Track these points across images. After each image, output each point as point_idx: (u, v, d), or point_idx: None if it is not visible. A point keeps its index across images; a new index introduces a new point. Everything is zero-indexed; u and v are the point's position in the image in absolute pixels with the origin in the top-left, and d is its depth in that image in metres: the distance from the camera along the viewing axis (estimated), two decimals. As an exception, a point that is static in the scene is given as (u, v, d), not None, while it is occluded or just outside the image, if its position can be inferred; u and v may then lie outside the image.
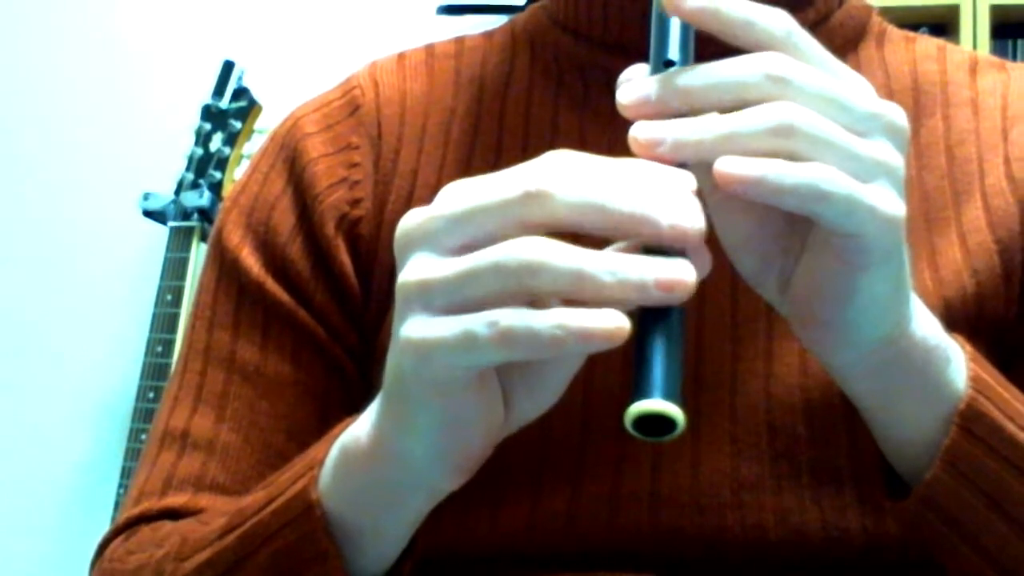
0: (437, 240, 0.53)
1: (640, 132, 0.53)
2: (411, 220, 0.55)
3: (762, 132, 0.52)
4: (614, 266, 0.50)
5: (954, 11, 2.17)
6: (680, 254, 0.51)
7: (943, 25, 2.19)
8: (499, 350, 0.51)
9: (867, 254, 0.54)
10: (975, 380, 0.62)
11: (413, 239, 0.54)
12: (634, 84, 0.55)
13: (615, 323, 0.49)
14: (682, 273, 0.50)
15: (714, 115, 0.54)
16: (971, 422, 0.62)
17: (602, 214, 0.51)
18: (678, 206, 0.51)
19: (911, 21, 2.06)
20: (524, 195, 0.51)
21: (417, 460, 0.58)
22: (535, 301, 0.52)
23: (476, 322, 0.51)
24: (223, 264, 0.79)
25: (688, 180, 0.52)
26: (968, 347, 0.64)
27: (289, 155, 0.80)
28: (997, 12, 2.17)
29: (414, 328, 0.53)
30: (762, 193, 0.52)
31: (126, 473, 2.16)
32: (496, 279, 0.51)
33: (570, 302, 0.52)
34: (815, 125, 0.53)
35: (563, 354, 0.50)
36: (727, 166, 0.52)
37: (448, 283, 0.52)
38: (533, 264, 0.50)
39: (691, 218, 0.51)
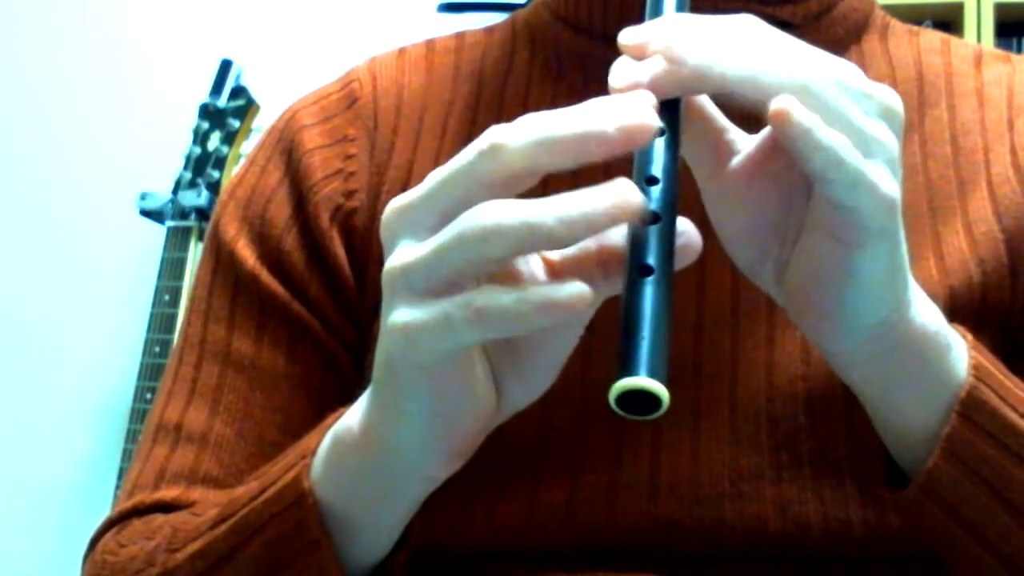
0: (415, 222, 0.53)
1: (627, 38, 0.54)
2: (391, 208, 0.55)
3: (784, 84, 0.53)
4: (557, 209, 0.49)
5: (958, 9, 2.18)
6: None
7: (947, 23, 2.20)
8: (475, 330, 0.50)
9: (862, 231, 0.54)
10: (976, 368, 0.62)
11: (395, 227, 0.54)
12: (627, 68, 0.55)
13: (574, 291, 0.49)
14: (622, 191, 0.49)
15: (741, 50, 0.54)
16: (972, 410, 0.61)
17: (551, 147, 0.50)
18: (623, 109, 0.50)
19: (915, 18, 2.05)
20: (478, 154, 0.51)
21: (408, 447, 0.57)
22: (517, 276, 0.52)
23: (452, 304, 0.51)
24: (219, 257, 0.79)
25: (646, 96, 0.52)
26: (969, 335, 0.64)
27: (286, 147, 0.80)
28: (1001, 10, 2.18)
29: (399, 314, 0.53)
30: (804, 145, 0.52)
31: (124, 474, 2.16)
32: (461, 251, 0.51)
33: (556, 272, 0.53)
34: (829, 93, 0.53)
35: (535, 328, 0.50)
36: (793, 108, 0.52)
37: (423, 264, 0.52)
38: (487, 228, 0.50)
39: (639, 115, 0.50)
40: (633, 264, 0.51)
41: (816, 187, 0.54)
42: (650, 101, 0.52)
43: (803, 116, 0.52)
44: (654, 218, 0.51)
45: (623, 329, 0.49)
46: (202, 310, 0.79)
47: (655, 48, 0.54)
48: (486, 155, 0.51)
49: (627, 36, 0.56)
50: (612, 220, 0.49)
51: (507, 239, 0.49)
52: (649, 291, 0.50)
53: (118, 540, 0.73)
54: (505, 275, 0.53)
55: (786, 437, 0.69)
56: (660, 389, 0.48)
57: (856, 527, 0.68)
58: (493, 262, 0.51)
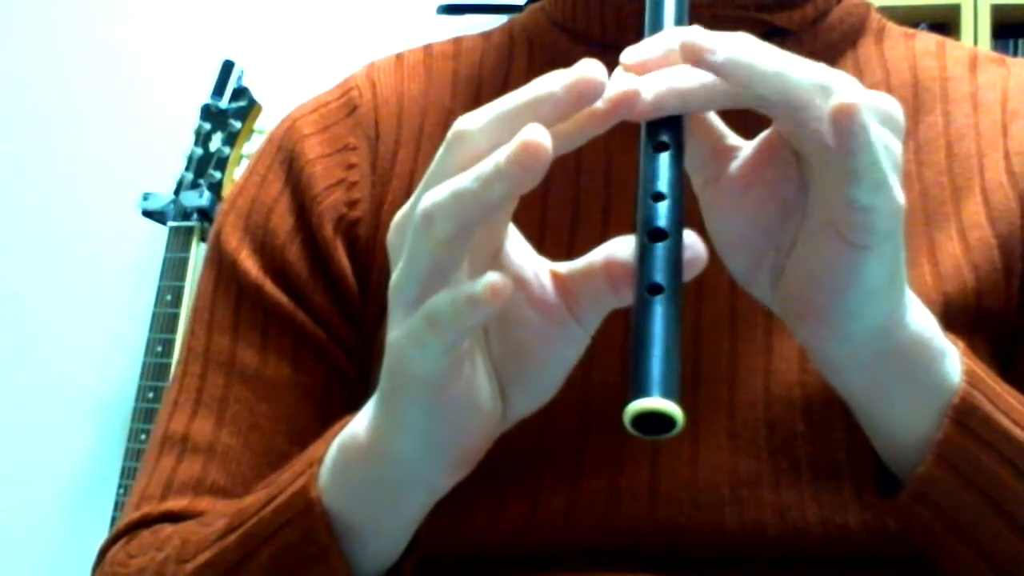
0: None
1: (629, 57, 0.55)
2: (393, 222, 0.56)
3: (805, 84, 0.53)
4: (474, 171, 0.51)
5: (955, 11, 2.17)
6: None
7: (944, 25, 2.19)
8: (434, 337, 0.52)
9: (873, 233, 0.54)
10: (969, 374, 0.62)
11: (397, 241, 0.55)
12: (624, 79, 0.55)
13: (486, 282, 0.50)
14: (526, 135, 0.49)
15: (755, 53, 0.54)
16: (965, 416, 0.62)
17: (508, 118, 0.52)
18: (571, 73, 0.52)
19: (912, 20, 2.06)
20: (445, 147, 0.53)
21: (412, 456, 0.58)
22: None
23: (417, 315, 0.52)
24: (222, 267, 0.79)
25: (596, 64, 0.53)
26: (961, 343, 0.64)
27: (287, 156, 0.80)
28: (998, 12, 2.17)
29: (393, 329, 0.54)
30: (856, 142, 0.52)
31: (126, 473, 2.16)
32: (418, 247, 0.52)
33: (564, 285, 0.55)
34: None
35: (474, 324, 0.51)
36: (861, 102, 0.52)
37: (404, 273, 0.53)
38: (426, 210, 0.51)
39: (585, 72, 0.51)
40: (642, 282, 0.51)
41: (840, 187, 0.54)
42: (599, 68, 0.52)
43: (866, 115, 0.52)
44: (661, 235, 0.52)
45: (635, 348, 0.50)
46: (205, 320, 0.79)
47: (660, 63, 0.55)
48: (452, 144, 0.53)
49: (629, 55, 0.56)
50: (524, 169, 0.49)
51: (445, 215, 0.51)
52: (660, 310, 0.50)
53: (127, 551, 0.73)
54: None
55: (784, 442, 0.70)
56: (675, 411, 0.48)
57: (854, 531, 0.69)
58: (445, 246, 0.51)
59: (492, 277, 0.50)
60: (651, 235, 0.52)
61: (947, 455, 0.62)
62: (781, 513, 0.69)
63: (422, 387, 0.54)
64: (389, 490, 0.61)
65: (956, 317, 0.70)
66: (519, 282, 0.55)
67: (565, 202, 0.74)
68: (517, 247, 0.57)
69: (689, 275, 0.52)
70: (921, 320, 0.61)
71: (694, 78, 0.54)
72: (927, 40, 0.83)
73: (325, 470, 0.62)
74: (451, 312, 0.51)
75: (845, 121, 0.52)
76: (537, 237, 0.57)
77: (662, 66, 0.55)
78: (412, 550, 0.65)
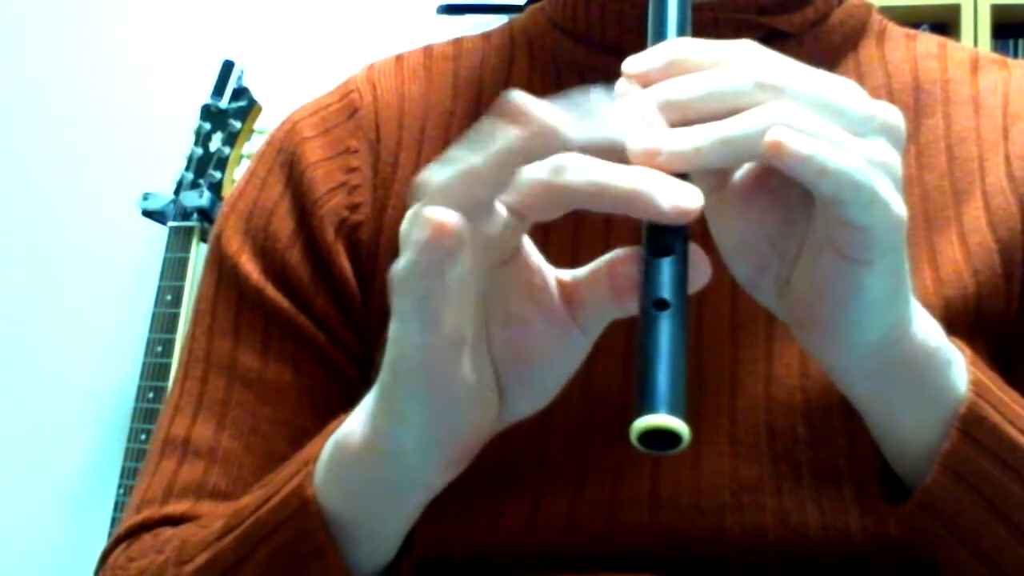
0: None
1: (636, 143, 0.53)
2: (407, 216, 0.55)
3: (756, 135, 0.52)
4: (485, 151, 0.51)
5: (955, 10, 2.18)
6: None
7: (944, 25, 2.20)
8: (420, 320, 0.53)
9: (871, 249, 0.54)
10: (976, 384, 0.62)
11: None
12: (629, 98, 0.55)
13: (438, 217, 0.51)
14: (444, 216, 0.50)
15: (709, 124, 0.53)
16: (971, 426, 0.61)
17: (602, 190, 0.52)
18: (677, 188, 0.51)
19: (912, 20, 2.06)
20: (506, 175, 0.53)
21: (408, 452, 0.58)
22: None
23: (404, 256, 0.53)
24: (222, 270, 0.79)
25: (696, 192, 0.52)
26: (967, 350, 0.64)
27: (287, 159, 0.80)
28: (998, 12, 2.18)
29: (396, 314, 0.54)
30: (807, 172, 0.52)
31: (126, 472, 2.17)
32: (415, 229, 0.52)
33: (568, 293, 0.55)
34: (807, 126, 0.53)
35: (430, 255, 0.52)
36: (786, 138, 0.51)
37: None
38: (433, 187, 0.52)
39: (691, 199, 0.51)
40: (648, 297, 0.51)
41: (828, 208, 0.53)
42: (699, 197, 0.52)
43: (799, 145, 0.51)
44: (667, 249, 0.51)
45: (641, 363, 0.49)
46: (206, 324, 0.79)
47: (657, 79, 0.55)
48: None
49: (630, 65, 0.56)
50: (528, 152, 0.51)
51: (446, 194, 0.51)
52: (666, 326, 0.50)
53: (128, 555, 0.73)
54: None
55: (785, 448, 0.70)
56: (682, 427, 0.48)
57: (855, 535, 0.69)
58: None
59: (447, 214, 0.51)
60: (656, 250, 0.51)
61: (954, 465, 0.62)
62: (782, 518, 0.69)
63: (422, 370, 0.54)
64: (384, 487, 0.61)
65: (956, 322, 0.70)
66: (527, 286, 0.55)
67: (564, 236, 0.73)
68: (526, 251, 0.56)
69: (693, 289, 0.52)
70: (927, 329, 0.61)
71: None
72: (928, 42, 0.83)
73: (320, 468, 0.62)
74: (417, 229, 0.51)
75: (778, 161, 0.52)
76: (541, 242, 0.57)
77: (663, 78, 0.55)
78: (407, 550, 0.65)
